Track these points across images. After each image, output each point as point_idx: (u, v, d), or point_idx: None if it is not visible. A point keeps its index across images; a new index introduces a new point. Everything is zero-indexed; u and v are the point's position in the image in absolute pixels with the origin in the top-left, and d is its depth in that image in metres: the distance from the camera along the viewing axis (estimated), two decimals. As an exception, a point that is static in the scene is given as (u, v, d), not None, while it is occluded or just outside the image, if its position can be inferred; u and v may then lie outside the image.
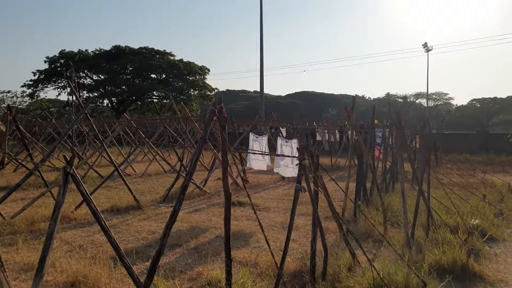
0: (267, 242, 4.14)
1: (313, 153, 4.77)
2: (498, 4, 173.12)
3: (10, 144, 18.25)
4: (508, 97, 77.71)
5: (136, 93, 50.58)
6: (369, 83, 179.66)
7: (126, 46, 50.77)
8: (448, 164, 15.34)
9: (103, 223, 3.57)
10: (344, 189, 7.52)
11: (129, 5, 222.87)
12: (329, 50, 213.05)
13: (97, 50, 50.82)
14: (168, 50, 52.57)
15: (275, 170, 10.82)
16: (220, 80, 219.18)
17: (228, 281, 4.07)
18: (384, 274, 4.42)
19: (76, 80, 40.97)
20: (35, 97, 51.69)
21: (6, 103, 49.07)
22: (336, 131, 23.16)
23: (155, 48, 51.93)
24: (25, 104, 54.73)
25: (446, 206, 7.62)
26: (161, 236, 3.72)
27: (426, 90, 72.15)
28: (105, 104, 55.27)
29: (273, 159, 12.48)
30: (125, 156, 16.73)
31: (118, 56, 49.45)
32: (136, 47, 51.34)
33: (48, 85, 50.18)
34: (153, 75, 52.00)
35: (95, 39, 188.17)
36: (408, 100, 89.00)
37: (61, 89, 50.10)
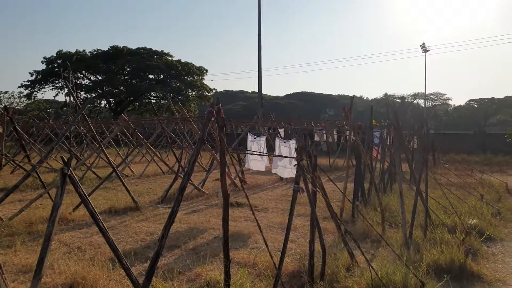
0: (266, 243, 4.15)
1: (311, 153, 4.78)
2: (496, 4, 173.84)
3: (8, 145, 18.22)
4: (506, 97, 77.82)
5: (134, 94, 50.49)
6: (367, 84, 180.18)
7: (124, 47, 50.72)
8: (446, 164, 15.38)
9: (101, 225, 3.57)
10: (342, 189, 7.53)
11: (127, 6, 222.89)
12: (327, 51, 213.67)
13: (94, 51, 50.76)
14: (166, 51, 52.48)
15: (273, 171, 10.84)
16: (218, 80, 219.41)
17: (227, 282, 4.07)
18: (382, 274, 4.43)
19: (74, 81, 40.99)
20: (33, 97, 51.64)
21: (3, 104, 49.01)
22: (334, 131, 23.19)
23: (153, 49, 51.89)
24: (23, 105, 54.80)
25: (444, 206, 7.64)
26: (159, 237, 3.72)
27: (424, 91, 72.45)
28: (102, 105, 55.18)
29: (271, 159, 12.50)
30: (123, 157, 16.67)
31: (116, 57, 49.38)
32: (134, 47, 51.32)
33: (45, 85, 50.10)
34: (151, 76, 51.96)
35: (92, 40, 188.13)
36: (406, 100, 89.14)
37: (59, 90, 50.06)
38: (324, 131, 22.34)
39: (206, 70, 54.11)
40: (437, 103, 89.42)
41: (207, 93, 53.70)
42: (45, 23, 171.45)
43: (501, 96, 79.44)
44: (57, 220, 3.35)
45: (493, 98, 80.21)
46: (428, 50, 65.65)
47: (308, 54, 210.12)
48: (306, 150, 4.68)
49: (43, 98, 57.16)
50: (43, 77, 49.04)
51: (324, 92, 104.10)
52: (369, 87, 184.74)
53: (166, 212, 8.56)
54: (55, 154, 18.63)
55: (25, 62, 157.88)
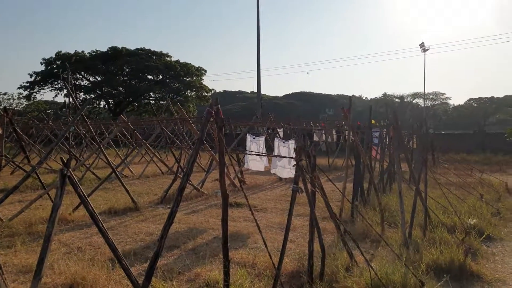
0: (265, 243, 4.15)
1: (310, 153, 4.79)
2: (495, 4, 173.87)
3: (7, 146, 18.20)
4: (505, 96, 77.96)
5: (132, 95, 50.51)
6: (366, 84, 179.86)
7: (122, 47, 50.72)
8: (445, 164, 15.39)
9: (101, 225, 3.58)
10: (341, 189, 7.53)
11: (125, 7, 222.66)
12: (326, 51, 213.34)
13: (93, 52, 50.75)
14: (164, 51, 52.63)
15: (272, 171, 10.83)
16: (217, 81, 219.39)
17: (226, 282, 4.07)
18: (382, 274, 4.44)
19: (73, 82, 40.96)
20: (32, 99, 51.67)
21: (2, 105, 48.94)
22: (333, 131, 23.20)
23: (152, 49, 51.92)
24: (22, 106, 54.77)
25: (444, 206, 7.65)
26: (159, 238, 3.73)
27: (423, 90, 72.57)
28: (101, 106, 55.17)
29: (270, 160, 12.50)
30: (123, 158, 16.68)
31: (114, 58, 49.39)
32: (132, 48, 51.32)
33: (44, 86, 50.12)
34: (149, 76, 51.98)
35: (91, 40, 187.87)
36: (405, 100, 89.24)
37: (58, 91, 50.12)
38: (323, 131, 22.35)
39: (205, 71, 54.18)
40: (436, 103, 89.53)
41: (206, 94, 53.74)
42: (43, 24, 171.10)
43: (501, 95, 79.70)
44: (56, 220, 3.35)
45: (492, 97, 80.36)
46: (427, 50, 65.87)
47: (307, 54, 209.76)
48: (305, 150, 4.68)
49: (43, 99, 57.27)
50: (42, 78, 49.05)
51: (323, 92, 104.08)
52: (368, 86, 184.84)
53: (165, 213, 8.56)
54: (55, 155, 18.63)
55: (24, 63, 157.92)
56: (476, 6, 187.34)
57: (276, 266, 4.20)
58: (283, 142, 10.94)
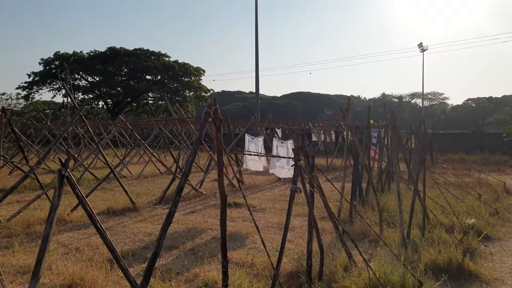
0: (263, 243, 4.15)
1: (308, 153, 4.79)
2: (493, 3, 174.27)
3: (6, 146, 18.15)
4: (503, 96, 78.06)
5: (131, 95, 50.44)
6: (365, 84, 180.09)
7: (121, 48, 50.62)
8: (444, 164, 15.41)
9: (99, 226, 3.57)
10: (339, 189, 7.54)
11: (124, 7, 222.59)
12: (325, 50, 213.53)
13: (92, 52, 50.65)
14: (163, 51, 52.44)
15: (271, 171, 10.84)
16: (215, 81, 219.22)
17: (225, 282, 4.07)
18: (380, 274, 4.44)
19: (71, 82, 40.91)
20: (30, 99, 51.50)
21: (0, 106, 48.83)
22: (332, 131, 23.22)
23: (150, 49, 51.78)
24: (20, 106, 54.56)
25: (442, 206, 7.66)
26: (157, 238, 3.72)
27: (421, 90, 72.64)
28: (100, 106, 55.09)
29: (269, 160, 12.51)
30: (121, 158, 16.67)
31: (113, 58, 49.29)
32: (131, 48, 51.22)
33: (43, 87, 49.97)
34: (148, 77, 51.89)
35: (90, 41, 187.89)
36: (404, 100, 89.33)
37: (56, 91, 49.95)
38: (321, 131, 22.37)
39: (204, 71, 54.09)
40: (434, 103, 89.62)
41: (205, 94, 53.69)
42: (41, 25, 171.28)
43: (499, 95, 79.75)
44: (55, 221, 3.35)
45: (491, 97, 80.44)
46: (426, 50, 65.96)
47: (306, 54, 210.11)
48: (303, 150, 4.68)
49: (41, 100, 57.09)
50: (41, 79, 48.92)
51: (321, 92, 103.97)
52: (366, 87, 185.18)
53: (164, 213, 8.56)
54: (53, 155, 18.60)
55: (22, 64, 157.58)
56: (475, 6, 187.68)
57: (274, 266, 4.20)
58: (282, 142, 10.94)
